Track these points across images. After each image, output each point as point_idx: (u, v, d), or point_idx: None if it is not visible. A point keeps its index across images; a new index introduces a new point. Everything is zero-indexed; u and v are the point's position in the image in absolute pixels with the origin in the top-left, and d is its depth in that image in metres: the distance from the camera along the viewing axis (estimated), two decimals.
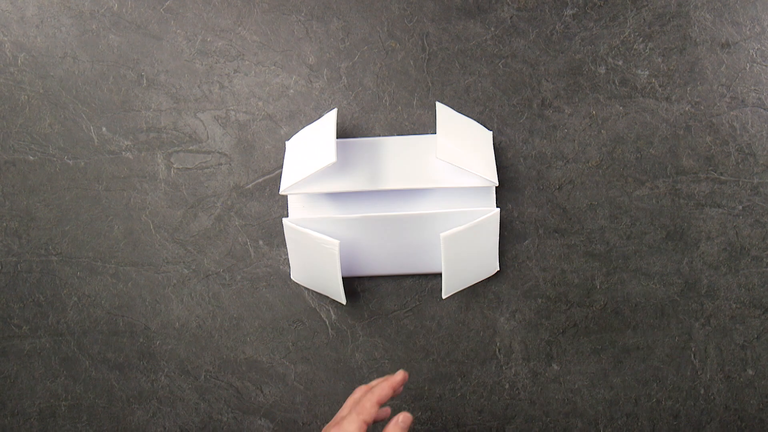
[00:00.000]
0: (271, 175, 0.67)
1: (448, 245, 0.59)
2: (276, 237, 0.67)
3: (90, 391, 0.67)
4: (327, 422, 0.67)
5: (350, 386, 0.67)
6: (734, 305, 0.66)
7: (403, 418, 0.49)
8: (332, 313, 0.67)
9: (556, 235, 0.66)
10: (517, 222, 0.66)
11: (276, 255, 0.67)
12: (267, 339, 0.67)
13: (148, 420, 0.67)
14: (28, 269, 0.67)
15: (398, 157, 0.64)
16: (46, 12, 0.67)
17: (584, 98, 0.66)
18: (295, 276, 0.65)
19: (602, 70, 0.66)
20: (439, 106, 0.62)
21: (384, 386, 0.51)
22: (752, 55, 0.66)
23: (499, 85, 0.66)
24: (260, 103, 0.67)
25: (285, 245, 0.67)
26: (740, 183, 0.65)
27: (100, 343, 0.67)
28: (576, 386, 0.66)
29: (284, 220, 0.62)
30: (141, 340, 0.67)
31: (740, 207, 0.66)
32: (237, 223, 0.67)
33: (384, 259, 0.65)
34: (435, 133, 0.66)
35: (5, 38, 0.67)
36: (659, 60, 0.66)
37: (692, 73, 0.66)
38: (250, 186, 0.67)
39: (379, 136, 0.67)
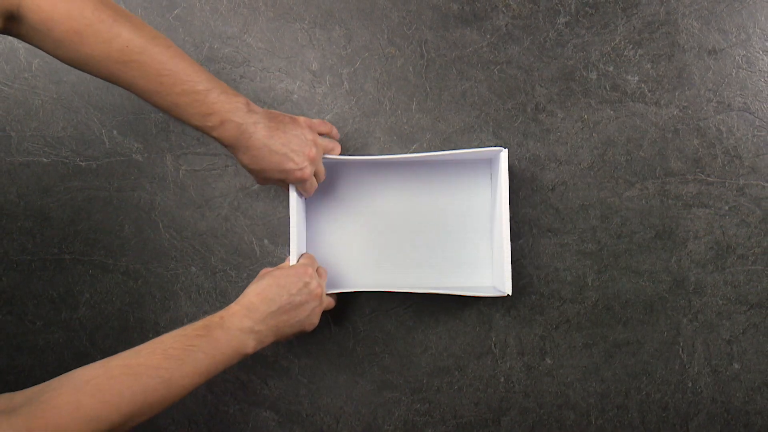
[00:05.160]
0: None
1: None
2: (280, 236, 0.69)
3: None
4: (329, 414, 0.69)
5: (352, 379, 0.69)
6: (721, 302, 0.68)
7: None
8: (334, 309, 0.69)
9: (550, 234, 0.68)
10: (511, 222, 0.68)
11: (281, 253, 0.69)
12: None
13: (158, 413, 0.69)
14: (42, 267, 0.70)
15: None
16: None
17: (576, 103, 0.68)
18: None
19: (594, 75, 0.68)
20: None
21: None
22: (738, 61, 0.68)
23: (494, 90, 0.69)
24: (265, 108, 0.69)
25: (288, 244, 0.68)
26: (726, 184, 0.68)
27: (112, 339, 0.69)
28: (569, 380, 0.68)
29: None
30: (151, 335, 0.69)
31: (726, 207, 0.68)
32: (243, 222, 0.69)
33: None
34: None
35: (20, 45, 0.70)
36: (648, 66, 0.68)
37: (680, 78, 0.68)
38: (255, 187, 0.69)
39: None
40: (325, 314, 0.69)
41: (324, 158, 0.63)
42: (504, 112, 0.68)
